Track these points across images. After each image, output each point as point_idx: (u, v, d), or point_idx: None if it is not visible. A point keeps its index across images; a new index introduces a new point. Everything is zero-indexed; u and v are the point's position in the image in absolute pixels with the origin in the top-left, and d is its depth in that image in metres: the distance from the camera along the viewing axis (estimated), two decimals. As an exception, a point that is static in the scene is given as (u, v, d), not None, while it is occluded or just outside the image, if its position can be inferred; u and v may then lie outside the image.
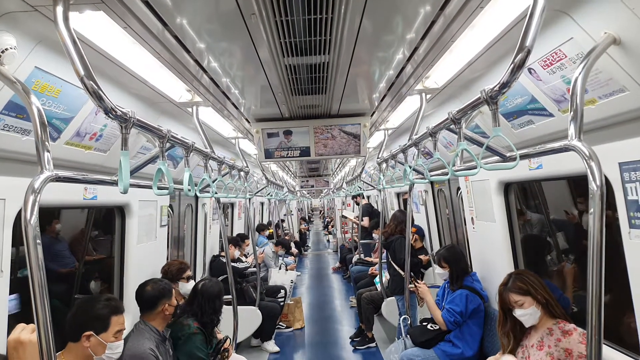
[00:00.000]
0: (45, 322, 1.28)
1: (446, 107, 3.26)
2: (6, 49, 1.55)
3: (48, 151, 1.46)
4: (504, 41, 2.07)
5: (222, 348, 3.35)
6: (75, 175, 1.68)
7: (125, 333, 3.01)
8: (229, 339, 3.44)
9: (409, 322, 4.01)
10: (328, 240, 17.67)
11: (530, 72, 2.10)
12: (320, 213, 30.25)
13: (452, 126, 2.13)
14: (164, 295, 3.00)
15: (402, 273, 4.47)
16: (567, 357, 2.26)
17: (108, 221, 3.58)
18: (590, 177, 1.33)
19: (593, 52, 1.53)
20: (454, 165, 2.33)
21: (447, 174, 2.39)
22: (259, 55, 2.13)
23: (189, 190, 2.30)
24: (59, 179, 1.49)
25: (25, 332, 1.59)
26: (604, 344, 1.38)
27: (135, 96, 2.70)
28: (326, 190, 13.75)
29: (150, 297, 2.98)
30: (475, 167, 2.04)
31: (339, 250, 12.39)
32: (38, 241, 1.31)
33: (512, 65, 1.43)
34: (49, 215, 3.74)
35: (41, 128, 1.46)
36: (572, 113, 1.47)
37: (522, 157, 1.80)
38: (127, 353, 2.71)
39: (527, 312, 2.38)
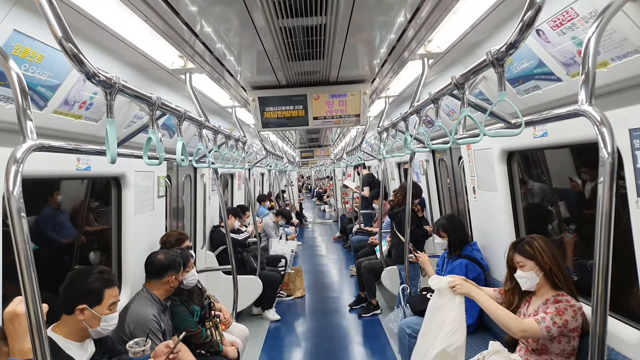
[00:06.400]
0: (33, 296, 1.25)
1: (449, 73, 3.15)
2: (-20, 10, 1.46)
3: (30, 119, 1.38)
4: (510, 1, 1.95)
5: (212, 313, 3.36)
6: (61, 144, 1.61)
7: (126, 301, 3.04)
8: (212, 304, 3.45)
9: (408, 291, 4.02)
10: (324, 210, 17.83)
11: (538, 34, 2.00)
12: (303, 185, 28.78)
13: (456, 92, 2.05)
14: (172, 267, 3.01)
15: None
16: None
17: (108, 191, 3.55)
18: (601, 144, 1.25)
19: (608, 9, 1.42)
20: (456, 133, 2.25)
21: (448, 142, 2.32)
22: (253, 17, 2.01)
23: (182, 160, 2.23)
24: (43, 149, 1.42)
25: (22, 305, 1.58)
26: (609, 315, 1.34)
27: (125, 63, 2.60)
28: (323, 160, 13.66)
29: (159, 265, 2.99)
30: (478, 135, 1.97)
31: (339, 220, 12.45)
32: (23, 214, 1.25)
33: (521, 23, 1.34)
34: (50, 186, 3.70)
35: (22, 95, 1.38)
36: (583, 76, 1.38)
37: (528, 123, 1.73)
38: (130, 318, 2.74)
39: (525, 275, 2.39)
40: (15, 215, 1.24)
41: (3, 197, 2.02)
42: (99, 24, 1.97)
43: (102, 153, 1.84)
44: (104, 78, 1.49)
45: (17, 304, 1.59)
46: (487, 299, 2.48)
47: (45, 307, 1.44)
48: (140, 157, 2.22)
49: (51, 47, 1.86)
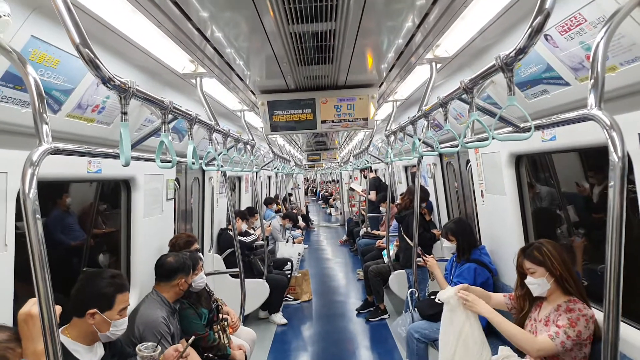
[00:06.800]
0: (46, 298, 1.27)
1: (457, 77, 3.16)
2: (0, 17, 1.49)
3: (46, 123, 1.42)
4: (518, 6, 1.97)
5: (220, 317, 3.37)
6: (75, 147, 1.64)
7: (135, 303, 3.06)
8: (220, 307, 3.46)
9: (416, 295, 4.01)
10: (330, 214, 17.85)
11: (546, 39, 2.00)
12: (308, 188, 27.74)
13: (464, 96, 2.06)
14: (182, 270, 3.02)
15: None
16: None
17: (116, 194, 3.59)
18: (611, 148, 1.25)
19: (617, 14, 1.42)
20: (465, 137, 2.26)
21: (457, 145, 2.32)
22: (263, 23, 2.04)
23: (193, 163, 2.26)
24: (58, 152, 1.45)
25: (37, 307, 1.59)
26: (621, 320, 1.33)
27: (137, 67, 2.63)
28: (330, 163, 13.69)
29: (170, 268, 3.01)
30: (486, 139, 1.98)
31: (346, 223, 12.46)
32: (37, 216, 1.27)
33: (530, 29, 1.35)
34: (59, 189, 3.75)
35: (38, 99, 1.41)
36: (592, 81, 1.39)
37: (537, 127, 1.73)
38: (139, 320, 2.75)
39: (536, 282, 2.36)
40: (30, 217, 1.26)
41: (18, 198, 2.06)
42: (112, 29, 2.01)
43: (114, 156, 1.88)
44: (119, 83, 1.52)
45: (32, 305, 1.61)
46: (500, 317, 2.45)
47: (58, 309, 1.45)
48: (151, 160, 2.25)
49: (66, 52, 1.90)
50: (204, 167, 2.87)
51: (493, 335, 3.30)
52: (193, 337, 2.50)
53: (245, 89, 3.43)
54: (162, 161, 2.02)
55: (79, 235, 4.03)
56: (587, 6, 1.67)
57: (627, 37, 1.61)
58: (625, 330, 2.14)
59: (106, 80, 1.44)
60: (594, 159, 3.04)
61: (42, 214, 1.30)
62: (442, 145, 2.89)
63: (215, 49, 2.42)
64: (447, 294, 2.66)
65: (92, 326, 2.12)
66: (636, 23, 1.53)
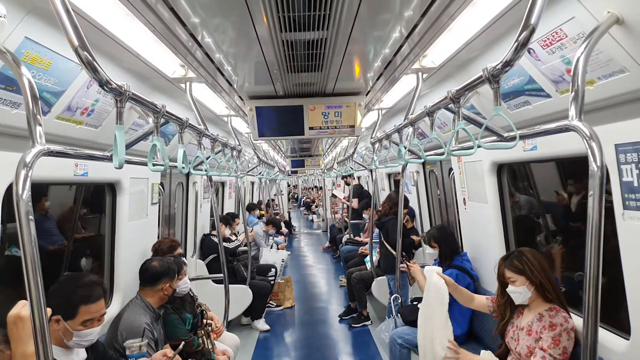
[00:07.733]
0: (38, 300, 1.26)
1: (442, 87, 3.25)
2: (-4, 18, 1.49)
3: (40, 124, 1.42)
4: (503, 20, 2.04)
5: (205, 322, 3.37)
6: (68, 149, 1.64)
7: (118, 308, 3.03)
8: (205, 312, 3.45)
9: (399, 301, 4.06)
10: (312, 220, 17.87)
11: (529, 52, 2.09)
12: (290, 194, 27.10)
13: (451, 105, 2.12)
14: (167, 275, 3.00)
15: (394, 253, 4.52)
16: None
17: (96, 199, 3.54)
18: (590, 158, 1.32)
19: (595, 31, 1.51)
20: (450, 145, 2.32)
21: (442, 154, 2.38)
22: (256, 30, 2.07)
23: (183, 167, 2.27)
24: (51, 154, 1.45)
25: (26, 309, 1.58)
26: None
27: (127, 70, 2.63)
28: (313, 170, 13.75)
29: (154, 272, 2.99)
30: (471, 148, 2.04)
31: (328, 230, 12.50)
32: (31, 217, 1.28)
33: (516, 43, 1.41)
34: (37, 192, 3.68)
35: (32, 101, 1.42)
36: (573, 93, 1.46)
37: (521, 137, 1.80)
38: (123, 326, 2.72)
39: (517, 291, 2.41)
40: (23, 218, 1.27)
41: (3, 200, 2.03)
42: (105, 32, 2.01)
43: (106, 158, 1.87)
44: (116, 86, 1.53)
45: (22, 307, 1.60)
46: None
47: (48, 311, 1.44)
48: (140, 163, 2.25)
49: (59, 54, 1.90)
50: (192, 171, 2.87)
51: (474, 341, 3.37)
52: (183, 343, 2.50)
53: (233, 94, 3.45)
54: (153, 164, 2.03)
55: (57, 239, 3.97)
56: (567, 22, 1.76)
57: (605, 52, 1.70)
58: (601, 333, 2.21)
59: (103, 83, 1.46)
60: (572, 168, 3.15)
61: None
62: (428, 153, 2.96)
63: (206, 54, 2.43)
64: (431, 268, 3.09)
65: (59, 332, 2.03)
66: (613, 40, 1.61)
